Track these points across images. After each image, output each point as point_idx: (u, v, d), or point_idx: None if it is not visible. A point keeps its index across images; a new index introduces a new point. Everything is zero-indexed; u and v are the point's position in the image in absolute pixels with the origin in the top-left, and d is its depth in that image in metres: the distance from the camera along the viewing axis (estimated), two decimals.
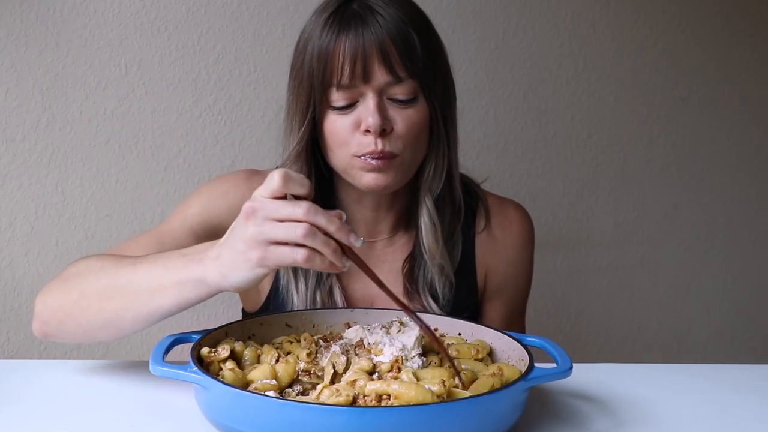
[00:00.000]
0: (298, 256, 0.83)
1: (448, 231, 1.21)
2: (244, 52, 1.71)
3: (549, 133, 1.90)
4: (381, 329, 0.97)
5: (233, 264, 0.87)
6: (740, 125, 2.00)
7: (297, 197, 0.85)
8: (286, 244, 0.84)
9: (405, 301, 1.16)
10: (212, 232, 1.16)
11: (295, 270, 1.17)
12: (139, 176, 1.69)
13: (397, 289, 1.20)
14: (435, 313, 1.12)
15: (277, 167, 1.25)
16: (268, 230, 0.84)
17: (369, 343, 0.93)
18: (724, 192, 2.02)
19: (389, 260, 1.23)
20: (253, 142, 1.73)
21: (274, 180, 0.84)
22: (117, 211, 1.69)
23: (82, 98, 1.65)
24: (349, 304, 1.18)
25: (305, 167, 1.15)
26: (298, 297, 1.16)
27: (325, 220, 0.83)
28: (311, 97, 1.10)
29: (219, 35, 1.70)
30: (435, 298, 1.18)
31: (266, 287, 1.21)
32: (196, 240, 1.14)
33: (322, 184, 1.19)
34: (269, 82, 1.73)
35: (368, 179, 1.11)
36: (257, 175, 1.23)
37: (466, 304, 1.23)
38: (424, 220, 1.18)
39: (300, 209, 0.83)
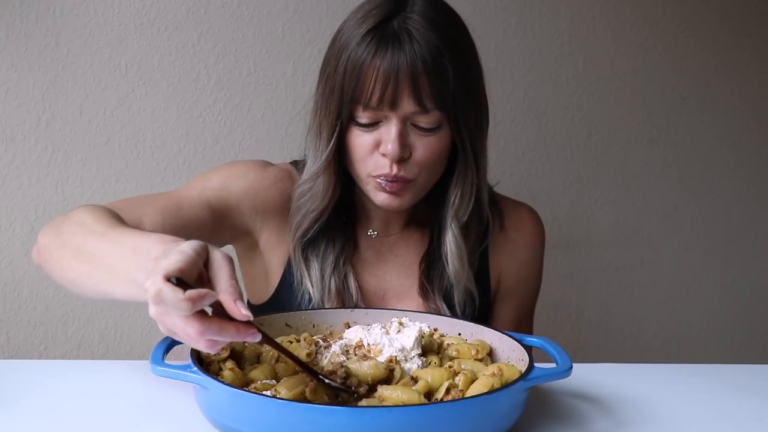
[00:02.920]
0: (211, 351, 0.78)
1: (472, 249, 1.22)
2: (244, 52, 1.71)
3: (549, 133, 1.90)
4: (380, 329, 0.97)
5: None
6: (740, 125, 2.00)
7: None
8: None
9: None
10: (226, 209, 1.17)
11: (306, 261, 1.18)
12: (139, 176, 1.69)
13: (413, 285, 1.22)
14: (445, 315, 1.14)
15: (292, 162, 1.26)
16: (170, 325, 0.77)
17: (368, 344, 0.93)
18: (724, 192, 2.02)
19: (402, 254, 1.24)
20: (253, 142, 1.73)
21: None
22: None
23: (82, 98, 1.65)
24: (362, 294, 1.19)
25: (333, 176, 1.15)
26: (313, 287, 1.17)
27: (219, 337, 0.76)
28: (340, 109, 1.11)
29: (219, 35, 1.70)
30: (450, 306, 1.19)
31: (275, 279, 1.22)
32: (211, 213, 1.15)
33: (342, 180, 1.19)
34: (269, 82, 1.73)
35: (381, 198, 1.14)
36: (270, 167, 1.24)
37: (479, 306, 1.23)
38: (450, 247, 1.18)
39: (192, 330, 0.75)
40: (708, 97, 1.97)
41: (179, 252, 0.76)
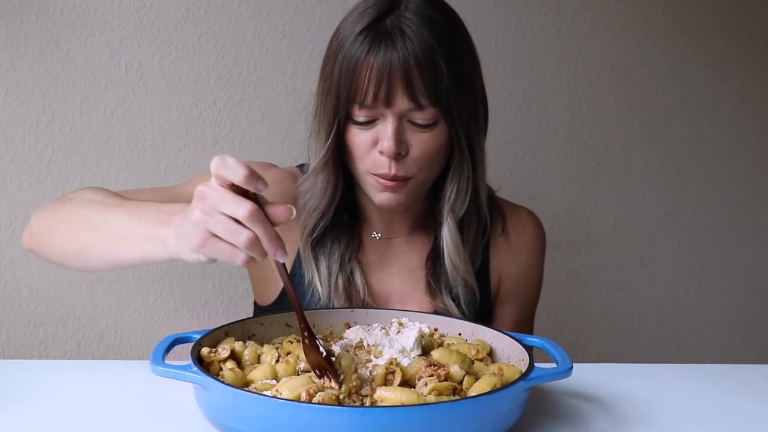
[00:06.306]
0: (238, 259, 0.83)
1: (472, 247, 1.22)
2: (244, 52, 1.71)
3: (549, 133, 1.90)
4: (380, 330, 0.97)
5: (181, 240, 0.87)
6: (740, 125, 2.00)
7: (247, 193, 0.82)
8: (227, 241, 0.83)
9: (430, 301, 1.20)
10: None
11: (316, 260, 1.18)
12: (139, 176, 1.69)
13: (416, 289, 1.22)
14: (454, 316, 1.14)
15: (299, 166, 1.27)
16: (213, 223, 0.82)
17: (368, 344, 0.93)
18: (724, 192, 2.02)
19: (406, 258, 1.24)
20: (253, 142, 1.73)
21: (211, 166, 0.82)
22: None
23: (82, 98, 1.65)
24: (368, 293, 1.20)
25: (333, 175, 1.16)
26: (321, 286, 1.17)
27: (262, 230, 0.81)
28: (337, 108, 1.11)
29: (219, 35, 1.70)
30: (456, 301, 1.19)
31: (281, 281, 1.21)
32: None
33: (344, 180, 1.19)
34: (269, 82, 1.73)
35: (381, 198, 1.14)
36: (273, 169, 1.25)
37: (482, 309, 1.23)
38: (447, 242, 1.18)
39: (242, 210, 0.81)
40: (707, 98, 1.97)
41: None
